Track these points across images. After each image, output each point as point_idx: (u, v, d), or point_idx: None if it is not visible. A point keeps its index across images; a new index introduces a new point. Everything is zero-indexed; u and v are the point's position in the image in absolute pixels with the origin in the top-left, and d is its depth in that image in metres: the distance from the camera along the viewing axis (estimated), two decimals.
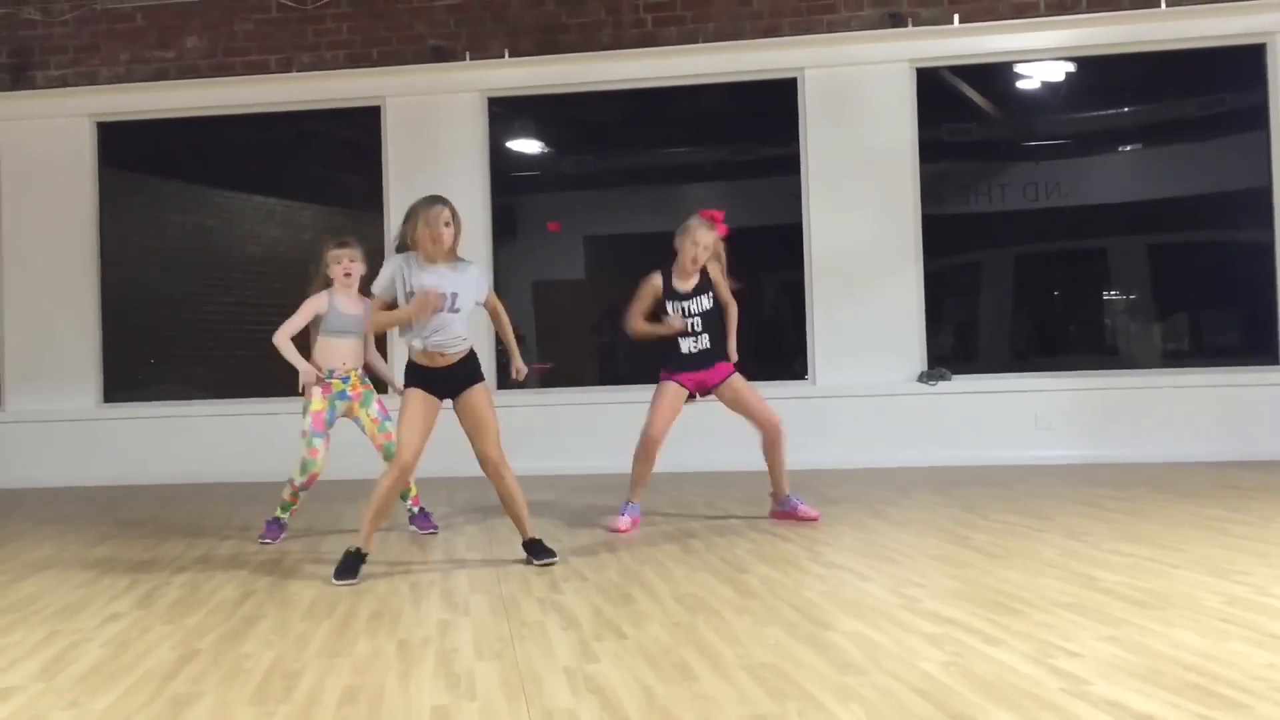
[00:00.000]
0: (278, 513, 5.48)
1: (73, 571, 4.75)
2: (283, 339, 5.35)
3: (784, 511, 5.55)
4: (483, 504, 6.65)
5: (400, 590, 4.13)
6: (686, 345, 5.47)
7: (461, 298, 4.44)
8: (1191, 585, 3.67)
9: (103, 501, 7.61)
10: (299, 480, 5.34)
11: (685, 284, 5.50)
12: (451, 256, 4.46)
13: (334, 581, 4.25)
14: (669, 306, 5.47)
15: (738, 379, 5.52)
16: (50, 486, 8.67)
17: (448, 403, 4.53)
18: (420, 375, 4.47)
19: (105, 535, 5.89)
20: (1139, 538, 4.66)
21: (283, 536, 5.46)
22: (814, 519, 5.45)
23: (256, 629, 3.55)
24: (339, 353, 5.40)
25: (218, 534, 5.73)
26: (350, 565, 4.32)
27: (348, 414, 5.45)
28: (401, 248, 4.47)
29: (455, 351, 4.47)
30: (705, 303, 5.50)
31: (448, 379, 4.47)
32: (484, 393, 4.51)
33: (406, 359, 4.56)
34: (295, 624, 3.60)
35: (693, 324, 5.46)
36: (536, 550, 4.55)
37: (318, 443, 5.33)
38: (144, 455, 8.78)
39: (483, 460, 4.49)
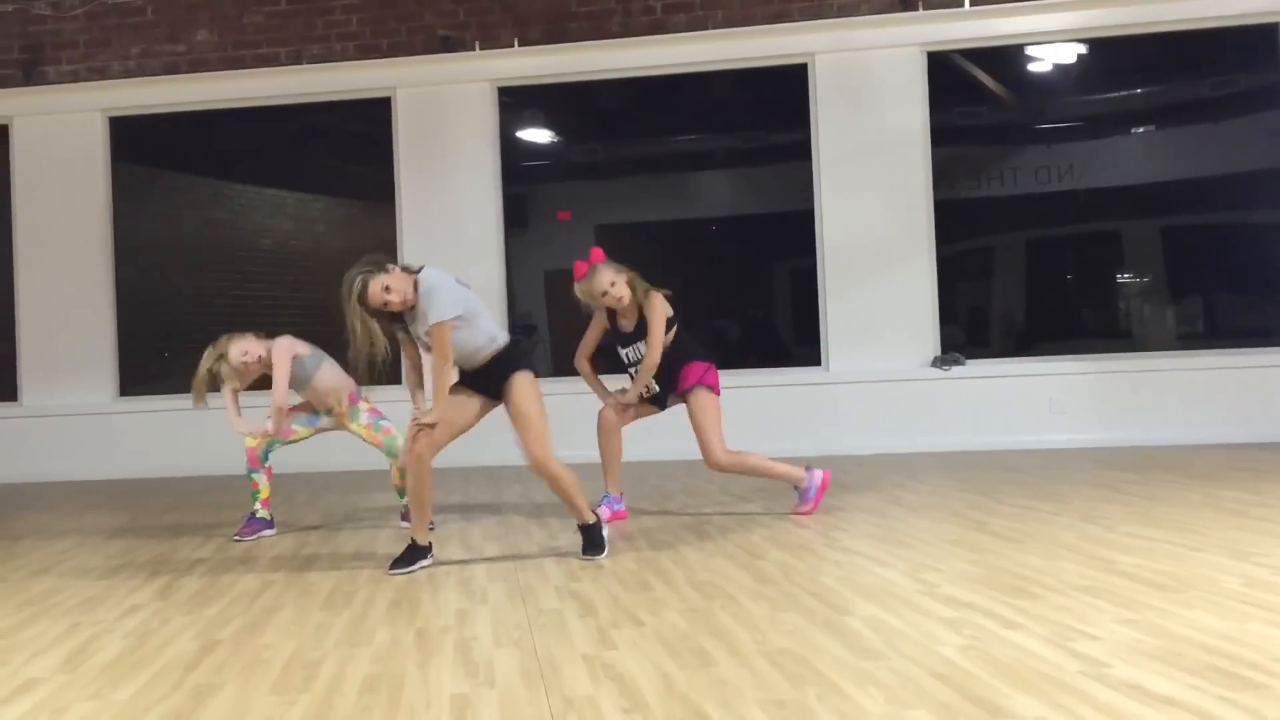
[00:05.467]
0: (253, 505, 5.46)
1: (92, 564, 4.78)
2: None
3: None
4: (498, 493, 6.67)
5: (418, 579, 4.14)
6: (637, 394, 5.29)
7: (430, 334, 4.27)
8: (1210, 567, 3.66)
9: (120, 494, 7.65)
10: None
11: (627, 323, 5.21)
12: (410, 302, 4.23)
13: (387, 570, 4.27)
14: (619, 350, 5.27)
15: (694, 399, 5.19)
16: (67, 480, 8.73)
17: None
18: (462, 376, 4.42)
19: (123, 528, 5.92)
20: (1156, 520, 4.65)
21: (260, 534, 5.38)
22: (805, 514, 5.25)
23: (276, 619, 3.56)
24: (315, 400, 5.44)
25: (235, 526, 5.75)
26: (408, 558, 4.32)
27: (337, 427, 5.49)
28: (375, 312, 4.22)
29: (484, 355, 4.34)
30: (644, 347, 5.18)
31: (484, 375, 4.37)
32: (523, 385, 4.31)
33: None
34: (314, 614, 3.62)
35: (634, 371, 5.25)
36: (587, 539, 4.43)
37: (268, 424, 5.35)
38: (160, 448, 8.83)
39: (524, 454, 4.33)
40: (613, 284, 5.07)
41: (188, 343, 9.52)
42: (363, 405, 5.45)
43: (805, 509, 5.26)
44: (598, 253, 5.15)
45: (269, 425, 5.33)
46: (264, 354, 5.32)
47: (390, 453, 5.45)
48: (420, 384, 4.43)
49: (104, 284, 9.15)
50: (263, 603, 3.83)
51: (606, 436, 5.37)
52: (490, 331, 4.35)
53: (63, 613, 3.79)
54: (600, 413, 5.38)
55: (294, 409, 5.44)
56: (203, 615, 3.67)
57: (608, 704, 2.52)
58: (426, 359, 4.36)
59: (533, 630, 3.26)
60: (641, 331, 5.15)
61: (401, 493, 5.51)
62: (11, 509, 7.12)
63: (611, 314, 5.23)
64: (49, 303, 9.13)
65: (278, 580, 4.24)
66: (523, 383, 4.33)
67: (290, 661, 3.03)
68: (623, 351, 5.29)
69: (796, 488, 5.33)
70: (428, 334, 4.22)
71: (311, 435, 5.53)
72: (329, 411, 5.45)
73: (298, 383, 5.35)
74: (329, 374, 5.41)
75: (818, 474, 5.33)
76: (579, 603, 3.60)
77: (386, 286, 4.14)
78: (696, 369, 5.22)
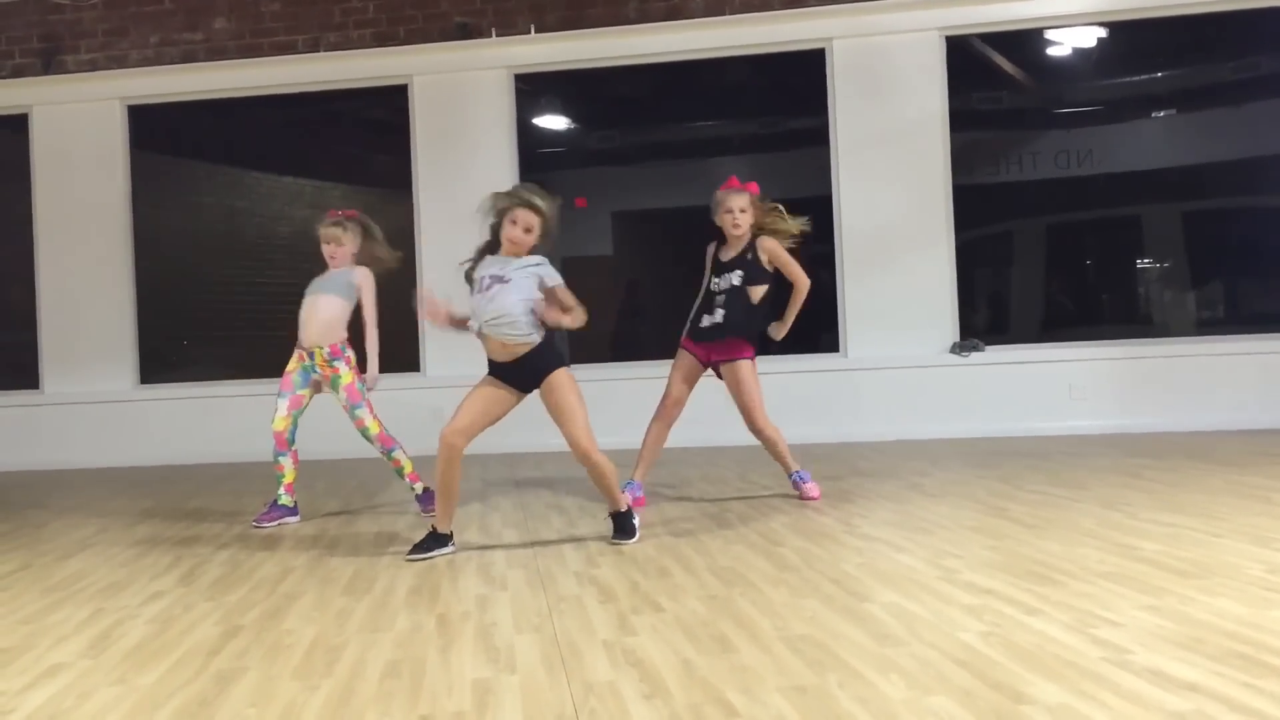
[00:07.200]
0: (278, 491, 5.44)
1: (115, 550, 4.81)
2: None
3: (795, 484, 5.45)
4: (516, 479, 6.69)
5: (438, 566, 4.16)
6: (705, 319, 5.34)
7: (515, 280, 4.28)
8: (1233, 554, 3.64)
9: (141, 482, 7.70)
10: (271, 446, 5.40)
11: (729, 252, 5.33)
12: (522, 251, 4.35)
13: (405, 554, 4.29)
14: (710, 279, 5.35)
15: (744, 366, 5.31)
16: (89, 467, 8.79)
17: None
18: (493, 368, 4.38)
19: (145, 515, 5.96)
20: (1178, 507, 4.63)
21: (282, 521, 5.37)
22: (813, 498, 5.32)
23: (297, 605, 3.58)
24: (310, 313, 5.37)
25: (256, 513, 5.77)
26: (428, 545, 4.33)
27: (320, 389, 5.45)
28: (495, 230, 4.38)
29: (517, 341, 4.29)
30: (734, 279, 5.26)
31: (520, 371, 4.33)
32: (564, 377, 4.32)
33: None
34: (335, 600, 3.64)
35: (718, 299, 5.29)
36: (618, 524, 4.48)
37: (280, 403, 5.37)
38: (181, 436, 8.88)
39: (570, 445, 4.34)
40: (742, 210, 5.22)
41: (207, 330, 9.63)
42: (341, 380, 5.34)
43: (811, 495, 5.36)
44: (754, 186, 5.29)
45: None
46: (345, 259, 5.39)
47: (366, 440, 5.45)
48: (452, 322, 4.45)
49: (124, 272, 9.19)
50: (284, 589, 3.85)
51: (662, 429, 5.44)
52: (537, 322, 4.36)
53: (87, 598, 3.82)
54: (663, 400, 5.40)
55: (286, 374, 5.40)
56: (225, 601, 3.69)
57: (628, 689, 2.52)
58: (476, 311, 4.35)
59: (553, 616, 3.27)
60: (737, 264, 5.27)
61: (400, 474, 5.48)
62: (35, 496, 7.18)
63: (719, 245, 5.34)
64: (69, 291, 9.18)
65: (299, 566, 4.27)
66: (563, 378, 4.33)
67: (312, 647, 3.04)
68: (714, 279, 5.32)
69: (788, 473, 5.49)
70: (504, 274, 4.27)
71: (311, 395, 5.45)
72: (312, 358, 5.36)
73: (329, 287, 5.40)
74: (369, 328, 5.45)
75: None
76: (599, 589, 3.61)
77: (529, 228, 4.30)
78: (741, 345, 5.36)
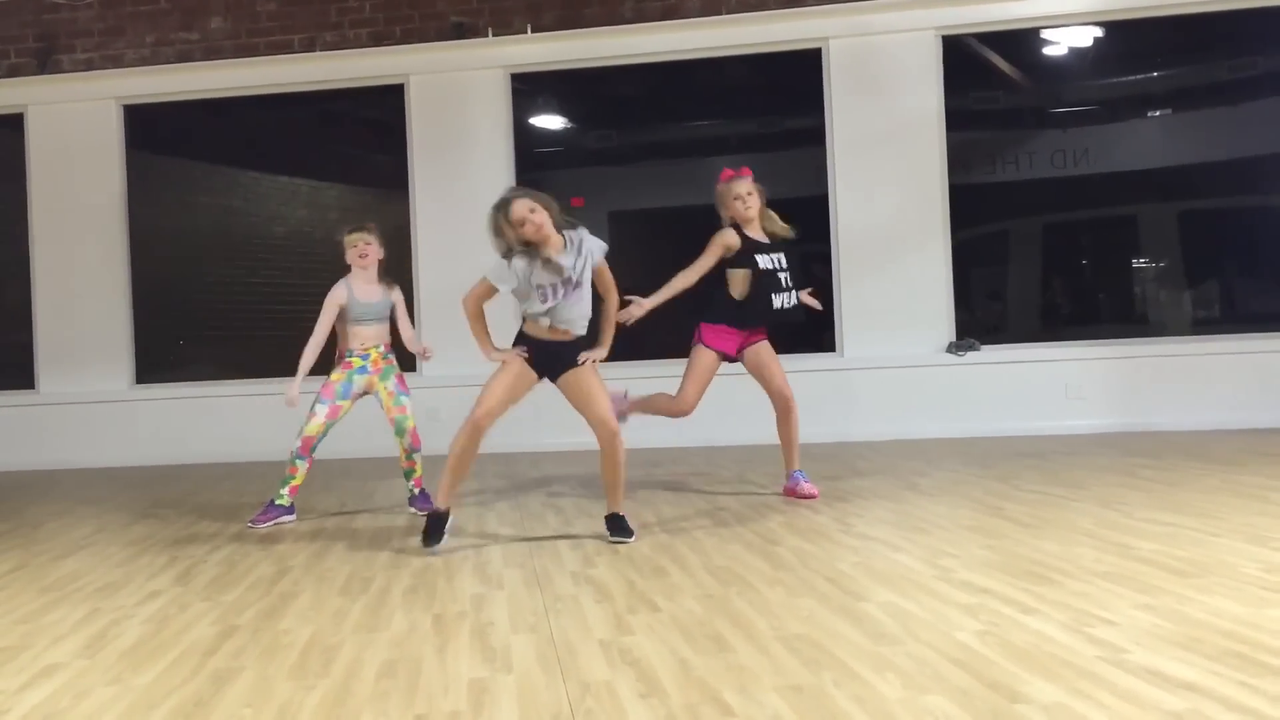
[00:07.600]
0: (279, 490, 5.42)
1: (111, 550, 4.81)
2: (311, 347, 5.44)
3: (789, 487, 5.44)
4: (512, 479, 6.68)
5: (434, 565, 4.15)
6: (780, 300, 5.34)
7: (584, 283, 4.39)
8: (1229, 553, 3.65)
9: (137, 482, 7.69)
10: (294, 445, 5.36)
11: (761, 236, 5.37)
12: (554, 240, 4.34)
13: (423, 548, 4.33)
14: (760, 260, 5.30)
15: (766, 346, 5.42)
16: (85, 467, 8.77)
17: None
18: (526, 342, 4.44)
19: (141, 514, 5.95)
20: (1175, 506, 4.63)
21: (278, 521, 5.35)
22: (812, 496, 5.31)
23: (294, 605, 3.58)
24: (360, 337, 5.47)
25: (252, 512, 5.76)
26: (433, 528, 4.37)
27: (368, 389, 5.46)
28: (508, 254, 4.36)
29: (577, 332, 4.42)
30: (784, 257, 5.39)
31: (555, 355, 4.42)
32: (590, 367, 4.43)
33: (518, 329, 4.53)
34: (332, 600, 3.63)
35: (785, 278, 5.35)
36: (615, 525, 4.51)
37: (319, 409, 5.37)
38: (177, 436, 8.87)
39: (597, 426, 4.39)
40: (749, 193, 5.33)
41: (203, 330, 9.61)
42: (395, 370, 5.52)
43: (809, 493, 5.35)
44: (747, 170, 5.44)
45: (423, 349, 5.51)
46: (374, 265, 5.51)
47: (399, 431, 5.46)
48: (485, 331, 4.48)
49: (119, 272, 9.17)
50: (280, 588, 3.85)
51: (673, 412, 5.53)
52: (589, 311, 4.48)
53: (83, 598, 3.81)
54: (682, 405, 5.44)
55: (329, 382, 5.42)
56: (221, 601, 3.69)
57: (624, 689, 2.52)
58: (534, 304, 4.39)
59: (549, 615, 3.27)
60: (778, 244, 5.39)
61: (409, 474, 5.52)
62: (30, 496, 7.17)
63: (740, 232, 5.35)
64: (65, 290, 9.17)
65: (295, 566, 4.26)
66: (587, 365, 4.44)
67: (308, 647, 3.04)
68: (768, 257, 5.35)
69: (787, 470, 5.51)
70: (574, 277, 4.32)
71: (351, 407, 5.49)
72: (366, 358, 5.44)
73: (373, 313, 5.48)
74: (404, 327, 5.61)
75: (804, 483, 5.45)
76: (595, 588, 3.61)
77: (532, 208, 4.29)
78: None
